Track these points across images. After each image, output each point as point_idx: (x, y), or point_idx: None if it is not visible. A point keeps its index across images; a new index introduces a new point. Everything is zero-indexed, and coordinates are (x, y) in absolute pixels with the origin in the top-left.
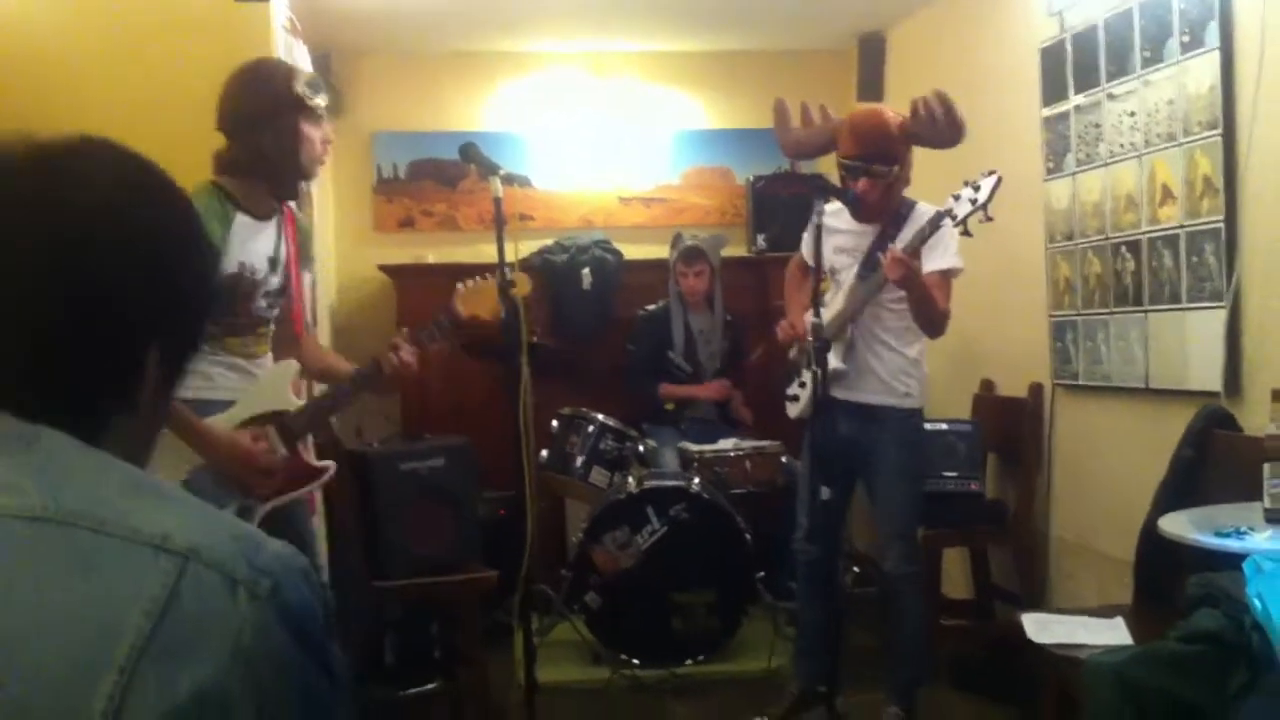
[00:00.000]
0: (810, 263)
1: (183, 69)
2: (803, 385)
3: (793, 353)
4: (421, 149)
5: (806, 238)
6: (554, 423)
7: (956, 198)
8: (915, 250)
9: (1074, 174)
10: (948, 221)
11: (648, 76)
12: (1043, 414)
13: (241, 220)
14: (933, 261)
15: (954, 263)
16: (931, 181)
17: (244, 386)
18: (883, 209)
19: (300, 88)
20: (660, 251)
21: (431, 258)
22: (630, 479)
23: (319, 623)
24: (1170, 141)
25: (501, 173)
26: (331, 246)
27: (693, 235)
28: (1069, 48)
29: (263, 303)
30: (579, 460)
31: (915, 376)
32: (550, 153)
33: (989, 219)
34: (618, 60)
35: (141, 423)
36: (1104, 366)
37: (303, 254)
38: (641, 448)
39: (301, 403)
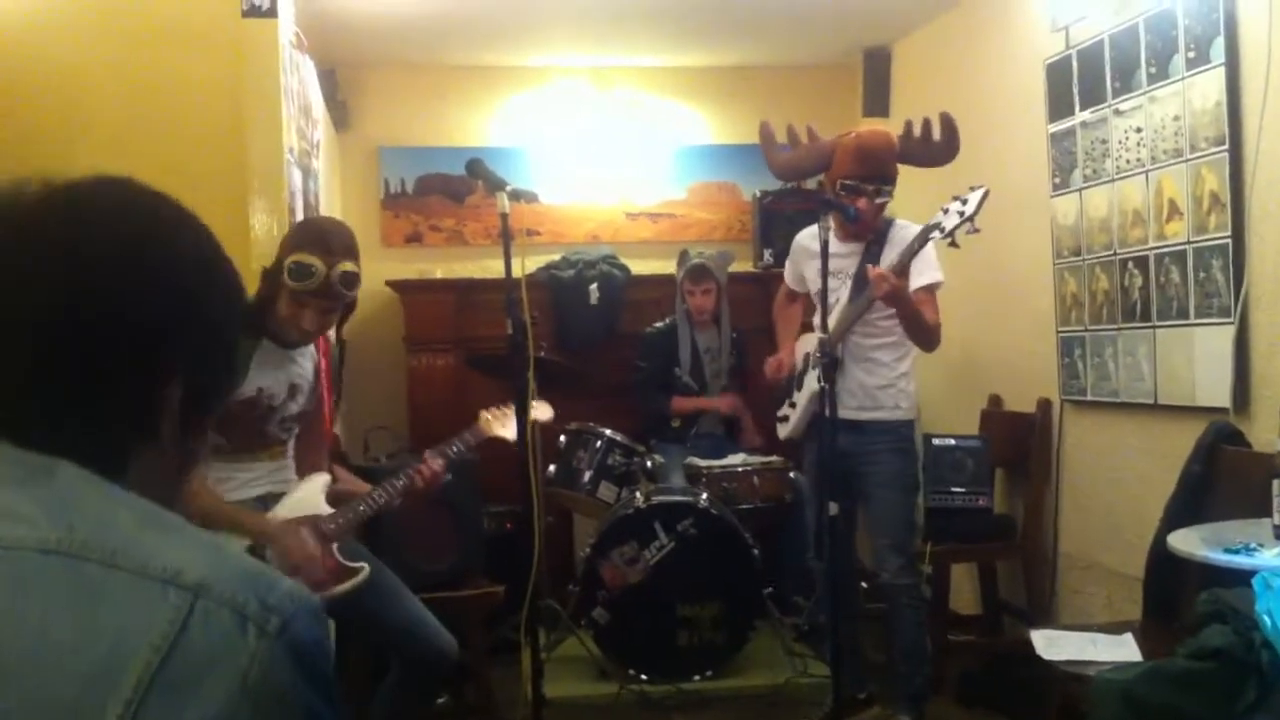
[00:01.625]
0: (796, 289)
1: (190, 84)
2: (793, 406)
3: (782, 380)
4: (428, 164)
5: (790, 264)
6: (561, 438)
7: (945, 211)
8: (904, 268)
9: (1081, 190)
10: (946, 242)
11: (652, 91)
12: (1051, 429)
13: (266, 346)
14: (917, 278)
15: (936, 276)
16: (931, 197)
17: (263, 479)
18: (872, 228)
19: (289, 262)
20: (667, 266)
21: (439, 273)
22: (638, 494)
23: (327, 660)
24: (1177, 157)
25: (508, 188)
26: None
27: (699, 252)
28: (1074, 63)
29: (276, 427)
30: (586, 475)
31: (905, 390)
32: (556, 168)
33: (975, 230)
34: (622, 75)
35: (166, 459)
36: (1112, 382)
37: (335, 385)
38: (649, 463)
39: (332, 510)
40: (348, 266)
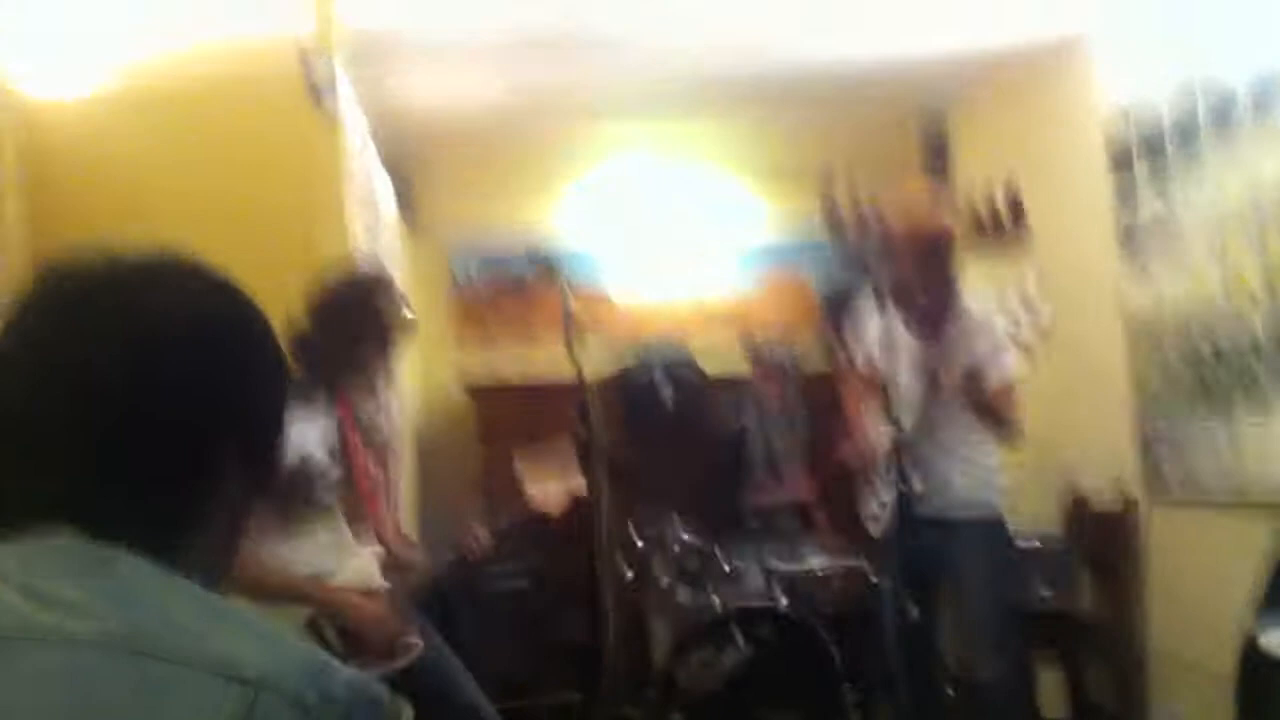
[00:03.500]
0: (866, 372)
1: (258, 187)
2: (883, 505)
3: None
4: (497, 259)
5: (861, 350)
6: (638, 542)
7: (1016, 324)
8: (973, 373)
9: (1153, 274)
10: (998, 327)
11: (724, 186)
12: (1136, 527)
13: (302, 408)
14: (992, 369)
15: (1012, 363)
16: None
17: (327, 559)
18: (942, 320)
19: (392, 321)
20: (741, 366)
21: (510, 367)
22: (715, 598)
23: None
24: (1250, 239)
25: (572, 283)
26: (412, 360)
27: (765, 341)
28: (1138, 145)
29: (325, 493)
30: (663, 579)
31: (995, 486)
32: (625, 263)
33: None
34: (691, 169)
35: (218, 538)
36: (1197, 477)
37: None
38: (726, 567)
39: (387, 585)
40: None
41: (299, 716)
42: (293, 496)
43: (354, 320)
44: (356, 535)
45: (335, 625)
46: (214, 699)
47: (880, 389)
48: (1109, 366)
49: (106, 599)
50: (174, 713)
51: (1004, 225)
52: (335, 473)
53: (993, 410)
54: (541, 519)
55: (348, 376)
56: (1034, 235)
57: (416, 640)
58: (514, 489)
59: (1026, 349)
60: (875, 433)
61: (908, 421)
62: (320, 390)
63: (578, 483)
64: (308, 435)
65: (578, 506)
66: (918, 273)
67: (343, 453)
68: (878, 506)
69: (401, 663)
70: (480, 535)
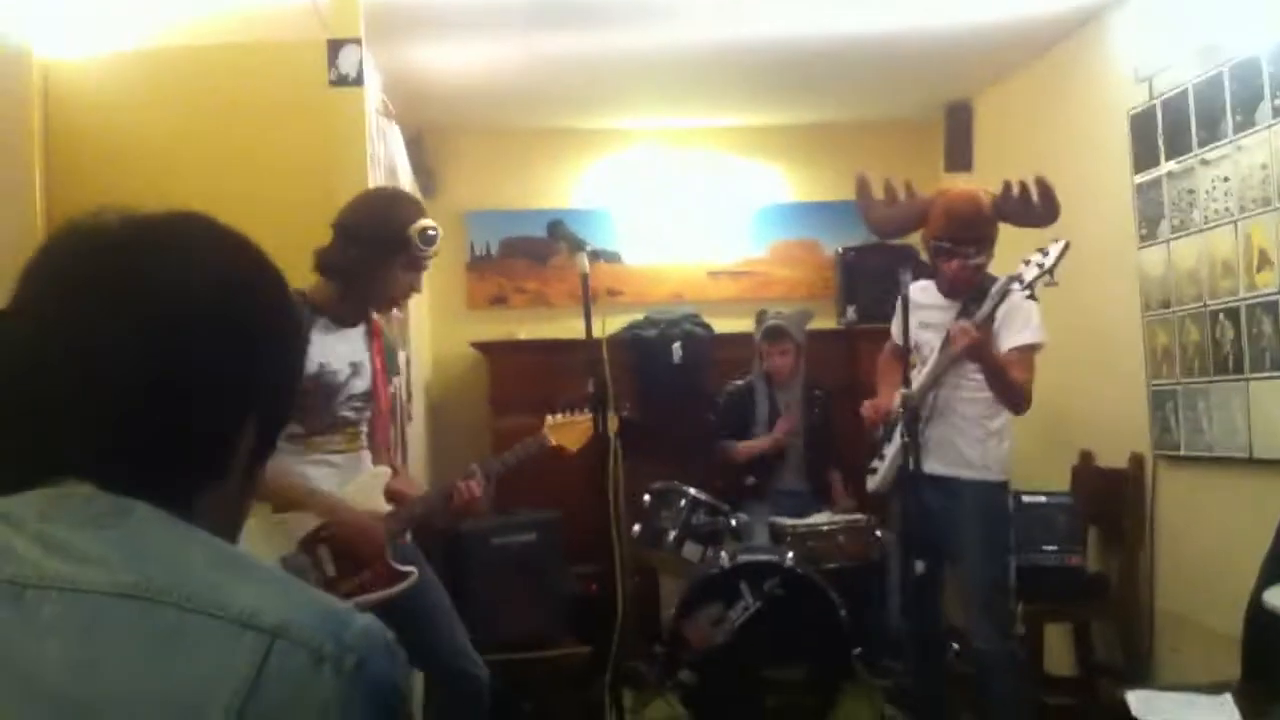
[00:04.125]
0: (900, 343)
1: (279, 154)
2: (881, 458)
3: (878, 431)
4: (513, 226)
5: (897, 320)
6: (646, 497)
7: (1025, 263)
8: (984, 322)
9: (1169, 241)
10: (1024, 295)
11: (732, 150)
12: (1144, 485)
13: (322, 324)
14: (1011, 337)
15: (1034, 338)
16: (1014, 250)
17: (338, 482)
18: (973, 286)
19: (413, 233)
20: (750, 325)
21: (523, 334)
22: (723, 554)
23: (403, 698)
24: (1265, 206)
25: (589, 248)
26: (426, 324)
27: (777, 312)
28: (1159, 114)
29: (346, 407)
30: (671, 535)
31: (995, 450)
32: (638, 228)
33: (1054, 283)
34: (702, 135)
35: (232, 493)
36: (1205, 436)
37: (389, 364)
38: (734, 522)
39: (390, 509)
40: None
41: (315, 664)
42: (309, 406)
43: (379, 232)
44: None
45: (330, 545)
46: (230, 647)
47: (903, 354)
48: (1123, 329)
49: (122, 549)
50: (190, 661)
51: (1034, 200)
52: (356, 387)
53: (998, 370)
54: (554, 452)
55: (375, 290)
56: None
57: (413, 569)
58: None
59: (1033, 290)
60: (892, 394)
61: (922, 381)
62: (346, 306)
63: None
64: (329, 346)
65: (594, 447)
66: (943, 234)
67: (372, 367)
68: (876, 459)
69: (399, 589)
70: (473, 485)
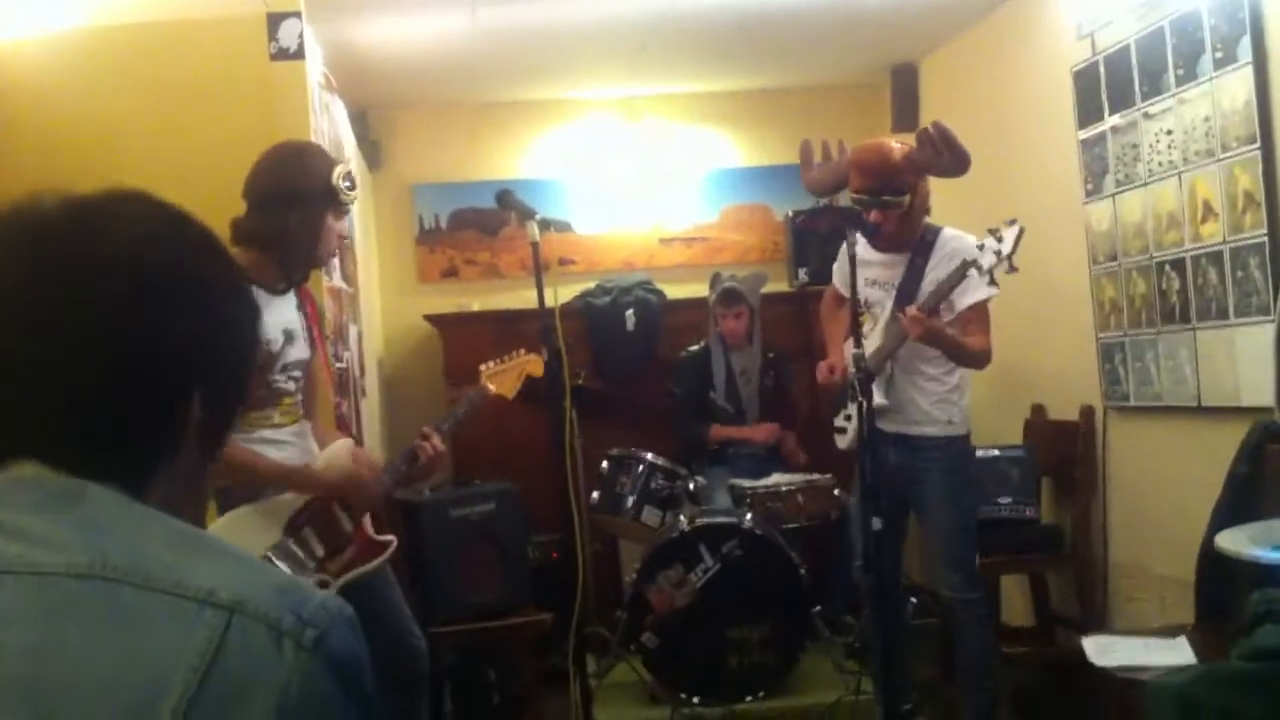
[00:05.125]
0: (845, 293)
1: (221, 128)
2: (849, 418)
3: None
4: (461, 199)
5: (838, 268)
6: (603, 464)
7: (981, 248)
8: (935, 307)
9: (1114, 195)
10: (968, 244)
11: (681, 118)
12: (1095, 436)
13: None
14: (965, 297)
15: (984, 294)
16: (963, 207)
17: (297, 449)
18: (903, 238)
19: (338, 181)
20: (702, 290)
21: (476, 306)
22: (682, 517)
23: (364, 671)
24: (1209, 158)
25: (538, 217)
26: (376, 299)
27: (730, 276)
28: (1101, 69)
29: (281, 375)
30: (630, 500)
31: (958, 404)
32: (589, 197)
33: (1014, 270)
34: (651, 103)
35: (186, 469)
36: (1154, 387)
37: (323, 334)
38: (692, 485)
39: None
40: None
41: (274, 639)
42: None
43: (304, 188)
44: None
45: (312, 525)
46: (188, 624)
47: (851, 306)
48: (1071, 283)
49: (75, 530)
50: (149, 639)
51: (938, 149)
52: (290, 355)
53: (957, 348)
54: (497, 400)
55: (311, 248)
56: (999, 164)
57: (391, 537)
58: (484, 423)
59: (992, 277)
60: (844, 351)
61: (878, 342)
62: (274, 273)
63: (532, 362)
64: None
65: (531, 387)
66: (856, 186)
67: (308, 335)
68: (844, 418)
69: (385, 558)
70: (435, 441)
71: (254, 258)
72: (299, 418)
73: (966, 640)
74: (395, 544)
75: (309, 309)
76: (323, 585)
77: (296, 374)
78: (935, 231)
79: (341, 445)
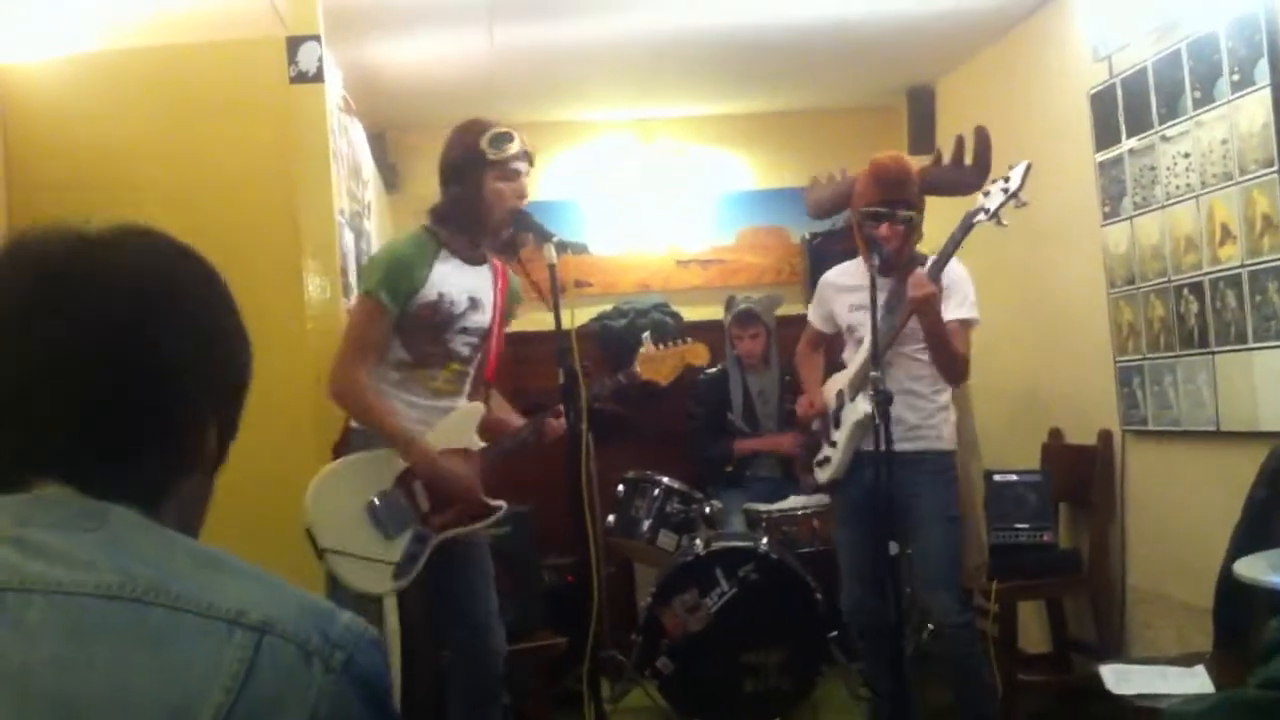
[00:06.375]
0: (824, 329)
1: (241, 152)
2: (833, 445)
3: (815, 424)
4: None
5: (814, 307)
6: (619, 487)
7: (986, 194)
8: (943, 264)
9: (1131, 218)
10: (964, 273)
11: (697, 140)
12: (1113, 461)
13: (447, 257)
14: (951, 310)
15: (972, 314)
16: (977, 228)
17: (427, 424)
18: (901, 260)
19: (485, 143)
20: (718, 312)
21: None
22: (698, 541)
23: (389, 691)
24: (1226, 181)
25: (555, 239)
26: None
27: (746, 297)
28: (1119, 92)
29: (459, 340)
30: (645, 524)
31: (947, 422)
32: (605, 219)
33: (1023, 204)
34: (667, 125)
35: (194, 495)
36: (1173, 411)
37: (508, 309)
38: (708, 509)
39: (483, 445)
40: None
41: (304, 659)
42: (421, 332)
43: (457, 160)
44: (473, 395)
45: (424, 480)
46: (219, 644)
47: (830, 341)
48: (1088, 307)
49: (105, 551)
50: (178, 659)
51: (966, 160)
52: (472, 320)
53: (943, 334)
54: (644, 386)
55: (482, 214)
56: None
57: (502, 502)
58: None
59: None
60: (819, 386)
61: (861, 359)
62: (468, 244)
63: (695, 350)
64: (448, 277)
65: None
66: (871, 199)
67: (494, 305)
68: (827, 448)
69: (489, 521)
70: (557, 424)
71: (447, 233)
72: (460, 391)
73: (961, 666)
74: (504, 508)
75: (500, 284)
76: (422, 539)
77: (474, 340)
78: (923, 259)
79: (462, 416)
